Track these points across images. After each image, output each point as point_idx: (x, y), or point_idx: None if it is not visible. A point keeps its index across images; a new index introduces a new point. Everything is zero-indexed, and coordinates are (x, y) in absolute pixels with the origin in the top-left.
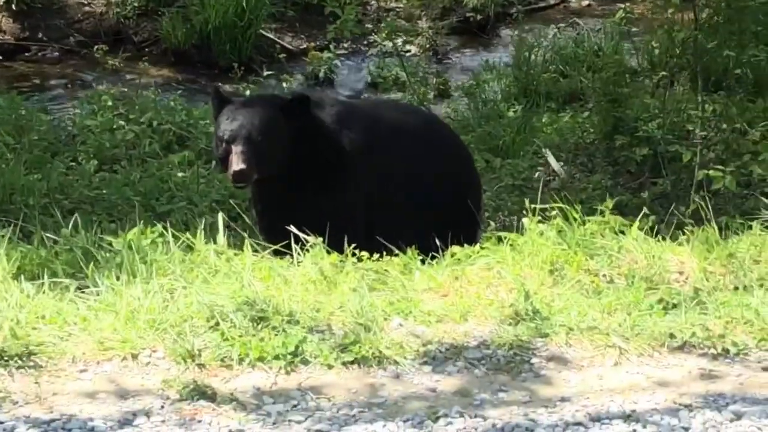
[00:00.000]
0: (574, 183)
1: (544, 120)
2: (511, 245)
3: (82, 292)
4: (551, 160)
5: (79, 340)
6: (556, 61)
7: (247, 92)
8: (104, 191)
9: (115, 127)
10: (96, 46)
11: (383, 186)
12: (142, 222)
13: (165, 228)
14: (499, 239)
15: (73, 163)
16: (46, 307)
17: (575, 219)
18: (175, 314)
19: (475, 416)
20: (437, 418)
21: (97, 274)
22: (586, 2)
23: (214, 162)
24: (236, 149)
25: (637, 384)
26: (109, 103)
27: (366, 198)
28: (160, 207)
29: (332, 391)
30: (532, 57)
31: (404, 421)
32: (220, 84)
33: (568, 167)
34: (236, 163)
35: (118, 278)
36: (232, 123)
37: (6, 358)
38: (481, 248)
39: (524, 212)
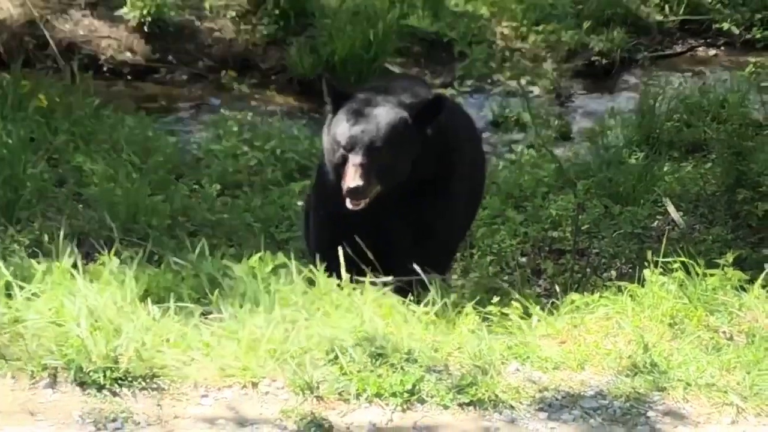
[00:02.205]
0: (693, 234)
1: (665, 169)
2: (630, 296)
3: (206, 318)
4: (671, 209)
5: (202, 366)
6: (680, 110)
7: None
8: (225, 216)
9: (239, 152)
10: (224, 72)
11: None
12: (263, 249)
13: (288, 257)
14: (619, 289)
15: (197, 186)
16: (171, 331)
17: (697, 273)
18: (296, 345)
19: None
20: None
21: (221, 301)
22: (713, 52)
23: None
24: (353, 160)
25: None
26: (234, 129)
27: None
28: (280, 234)
29: (447, 431)
30: (657, 104)
31: None
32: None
33: (688, 218)
34: (352, 178)
35: (241, 306)
36: (352, 127)
37: (131, 379)
38: (600, 297)
39: (644, 262)
